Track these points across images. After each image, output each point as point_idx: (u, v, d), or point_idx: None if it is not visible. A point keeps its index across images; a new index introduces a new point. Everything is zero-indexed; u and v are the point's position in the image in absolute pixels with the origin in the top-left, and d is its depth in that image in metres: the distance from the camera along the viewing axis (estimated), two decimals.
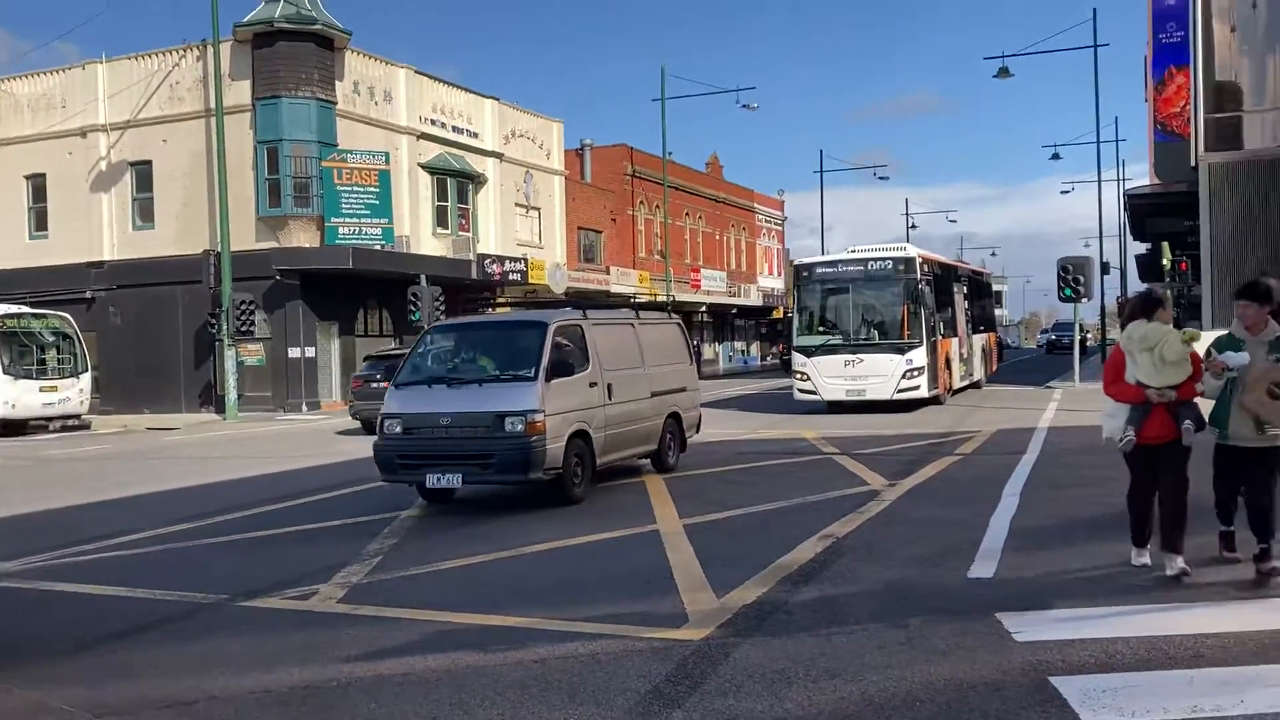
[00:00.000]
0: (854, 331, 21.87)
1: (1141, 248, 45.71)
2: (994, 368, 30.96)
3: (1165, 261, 30.04)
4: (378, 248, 30.75)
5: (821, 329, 22.21)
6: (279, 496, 12.60)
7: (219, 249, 28.28)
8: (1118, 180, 51.89)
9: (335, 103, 30.74)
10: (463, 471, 10.42)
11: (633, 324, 12.84)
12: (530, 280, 36.31)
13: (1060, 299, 28.12)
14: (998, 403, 22.90)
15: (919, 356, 21.00)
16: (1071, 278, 27.29)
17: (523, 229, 39.29)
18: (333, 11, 31.27)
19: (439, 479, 10.46)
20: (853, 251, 23.12)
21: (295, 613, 7.03)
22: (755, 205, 63.38)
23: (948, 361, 23.18)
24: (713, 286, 52.75)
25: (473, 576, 7.94)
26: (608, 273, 43.88)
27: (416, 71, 34.16)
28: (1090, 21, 62.36)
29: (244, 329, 28.25)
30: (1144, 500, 7.10)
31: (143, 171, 32.09)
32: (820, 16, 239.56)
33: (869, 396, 21.11)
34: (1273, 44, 23.78)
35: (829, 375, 21.46)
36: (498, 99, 37.87)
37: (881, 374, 21.00)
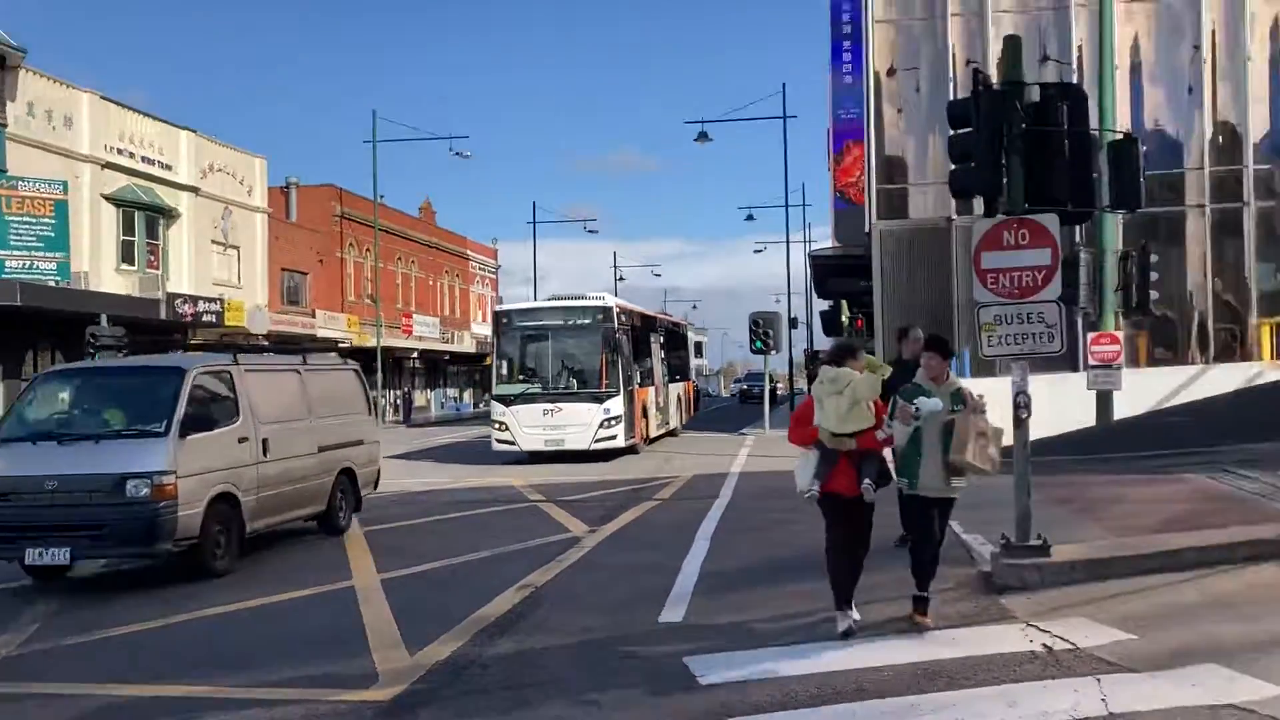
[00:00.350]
0: (553, 380, 21.71)
1: (825, 304, 49.21)
2: (691, 415, 31.72)
3: (844, 318, 32.53)
4: (52, 283, 28.17)
5: (521, 377, 21.92)
6: None
7: None
8: (804, 242, 55.90)
9: (5, 124, 28.02)
10: (71, 546, 8.81)
11: (298, 370, 11.54)
12: (228, 322, 34.34)
13: (752, 351, 29.80)
14: (695, 449, 23.84)
15: (616, 405, 21.03)
16: (762, 331, 28.96)
17: (220, 268, 37.21)
18: (8, 27, 28.64)
19: (41, 554, 8.79)
20: (553, 300, 23.36)
21: None
22: (469, 252, 63.27)
23: (645, 410, 23.41)
24: (425, 332, 52.00)
25: (143, 643, 7.34)
26: (314, 316, 42.30)
27: (102, 97, 31.75)
28: (781, 94, 66.46)
29: None
30: (840, 554, 7.02)
31: None
32: (530, 74, 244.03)
33: (568, 446, 20.81)
34: (933, 126, 26.42)
35: (528, 425, 21.04)
36: (194, 130, 35.84)
37: (580, 423, 20.84)
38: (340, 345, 44.06)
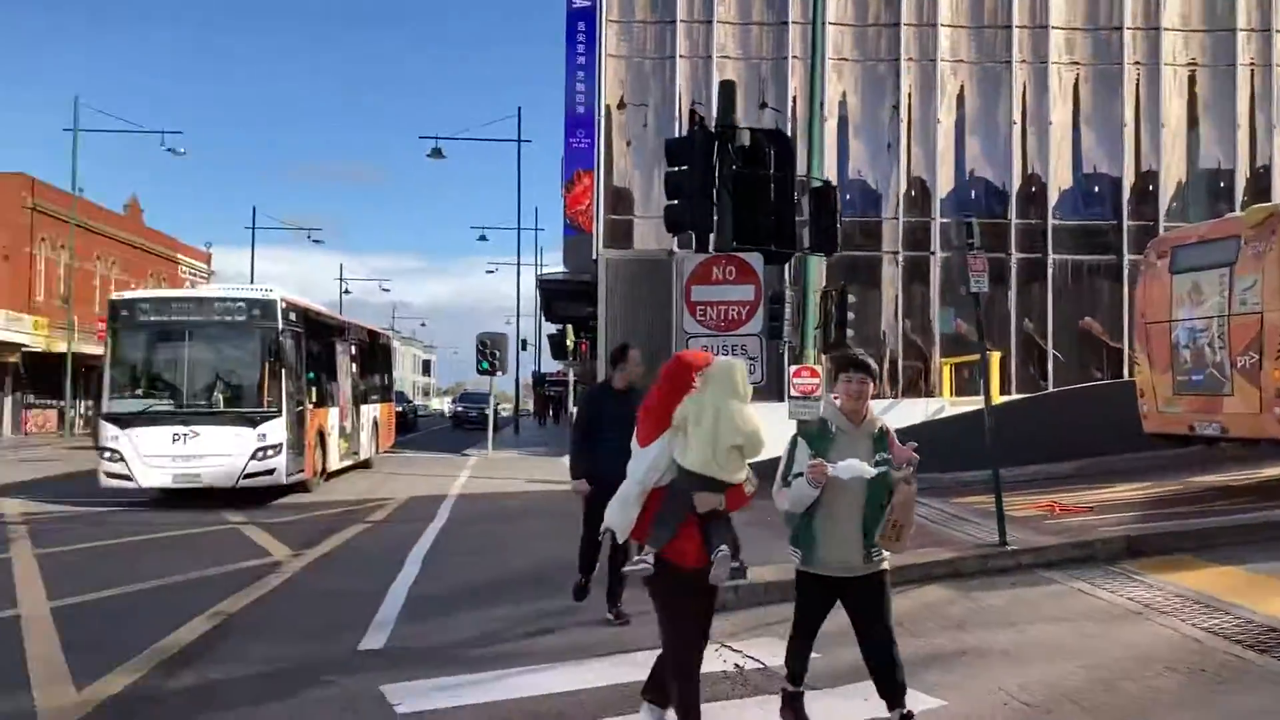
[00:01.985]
0: (189, 395, 16.30)
1: (553, 328, 49.77)
2: (389, 443, 26.75)
3: (569, 342, 33.03)
4: None
5: (143, 390, 16.52)
6: None
7: None
8: (535, 265, 56.31)
9: None
10: None
11: None
12: None
13: (478, 371, 29.64)
14: (414, 470, 23.39)
15: (277, 430, 16.12)
16: (489, 351, 28.89)
17: None
18: None
19: None
20: (194, 290, 18.81)
21: None
22: (179, 255, 59.42)
23: (322, 436, 18.76)
24: None
25: None
26: None
27: None
28: (516, 117, 66.99)
29: None
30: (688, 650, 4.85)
31: None
32: (249, 71, 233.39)
33: (206, 482, 15.74)
34: (659, 161, 27.25)
35: (150, 453, 15.65)
36: None
37: (224, 452, 15.75)
38: (25, 349, 40.33)
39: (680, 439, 4.70)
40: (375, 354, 25.59)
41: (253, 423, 16.01)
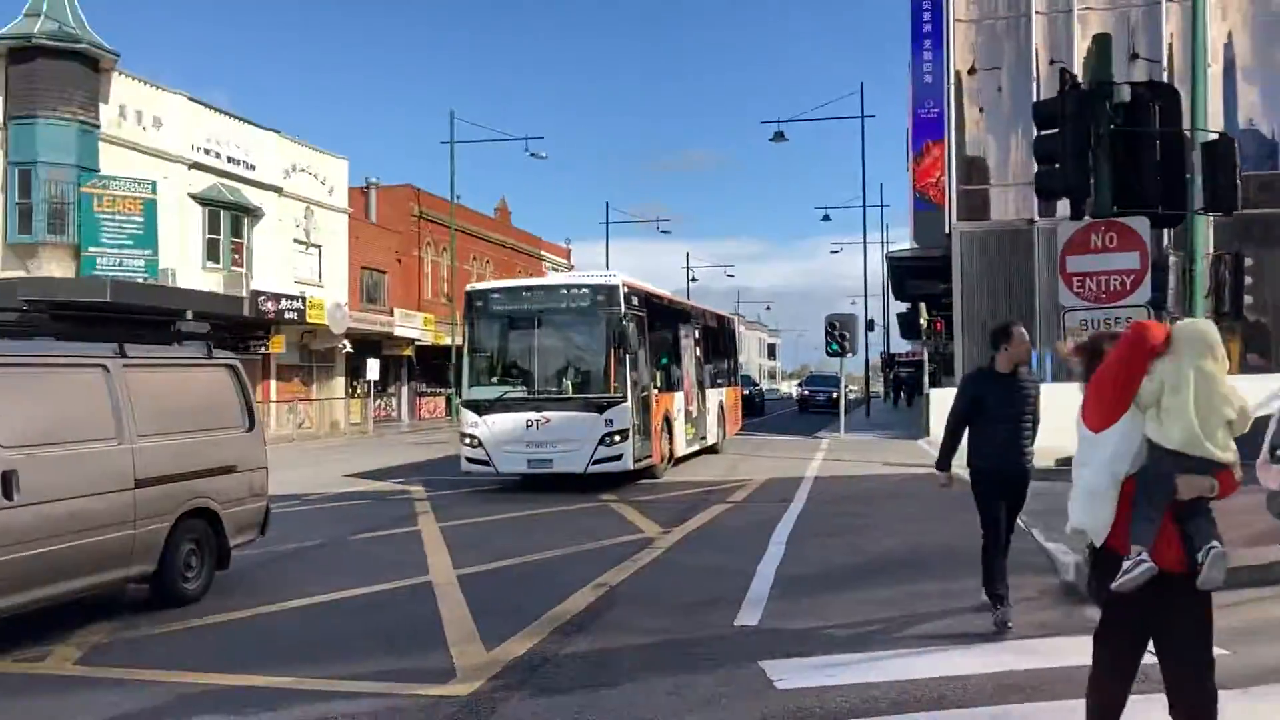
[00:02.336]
0: (539, 381, 16.68)
1: (902, 307, 48.63)
2: (735, 428, 26.26)
3: (923, 321, 32.14)
4: (140, 280, 29.01)
5: (497, 378, 17.07)
6: None
7: None
8: (882, 243, 55.16)
9: (99, 126, 28.93)
10: None
11: (104, 366, 7.84)
12: (309, 319, 35.07)
13: (827, 353, 29.55)
14: (767, 452, 23.72)
15: (622, 415, 16.04)
16: (838, 333, 28.72)
17: (302, 266, 37.98)
18: (97, 29, 29.53)
19: None
20: (543, 278, 18.54)
21: (24, 677, 6.43)
22: (543, 253, 63.71)
23: (667, 422, 18.49)
24: None
25: (227, 633, 7.50)
26: (392, 314, 42.97)
27: (190, 98, 32.64)
28: (859, 94, 65.99)
29: None
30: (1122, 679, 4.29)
31: None
32: (607, 73, 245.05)
33: (558, 468, 16.07)
34: (1015, 125, 25.97)
35: (506, 440, 16.12)
36: (279, 132, 36.65)
37: (573, 439, 15.90)
38: (417, 344, 44.83)
39: (1153, 415, 4.03)
40: (719, 337, 25.10)
41: (599, 408, 15.99)
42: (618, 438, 15.94)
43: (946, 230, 27.47)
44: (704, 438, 21.77)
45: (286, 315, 33.81)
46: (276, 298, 33.58)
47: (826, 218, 77.15)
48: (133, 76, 30.67)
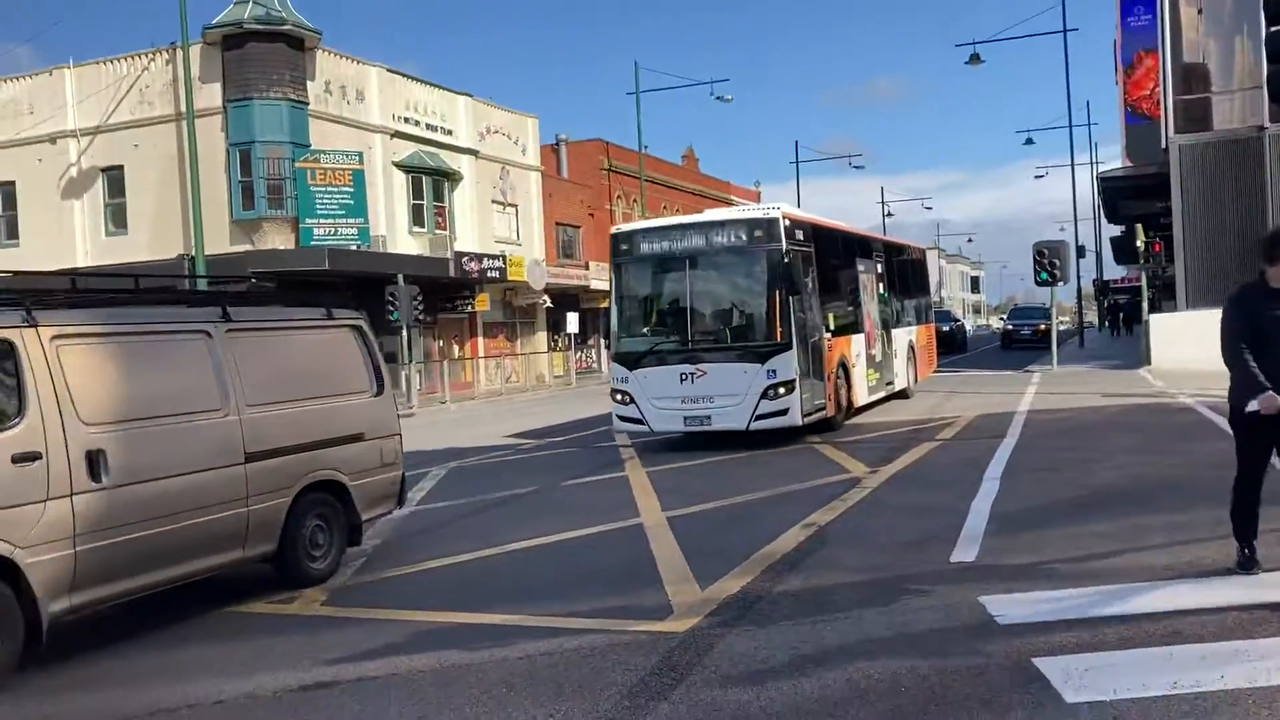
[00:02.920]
0: (693, 331, 14.81)
1: (1116, 230, 45.99)
2: (929, 370, 24.25)
3: (1139, 243, 30.21)
4: (353, 248, 30.61)
5: (648, 329, 15.41)
6: None
7: (193, 253, 28.06)
8: (1091, 164, 52.29)
9: (307, 103, 30.55)
10: None
11: (206, 333, 7.30)
12: (509, 277, 36.25)
13: (1036, 283, 28.24)
14: (977, 388, 22.99)
15: (787, 364, 14.17)
16: (1047, 261, 27.39)
17: (500, 226, 39.18)
18: (298, 8, 31.07)
19: None
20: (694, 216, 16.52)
21: (278, 617, 7.00)
22: (732, 197, 63.38)
23: (844, 369, 16.58)
24: None
25: (457, 576, 7.93)
26: (587, 268, 43.83)
27: (388, 69, 33.99)
28: (1060, 6, 62.29)
29: None
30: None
31: (114, 177, 31.79)
32: (789, 7, 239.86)
33: (716, 425, 14.41)
34: (1240, 25, 23.94)
35: (659, 396, 14.57)
36: (470, 95, 37.73)
37: (732, 393, 14.19)
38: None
39: None
40: (907, 270, 22.93)
41: (761, 358, 14.22)
42: (782, 390, 14.12)
43: (1163, 144, 25.70)
44: (890, 383, 19.87)
45: (489, 274, 35.03)
46: (479, 258, 34.81)
47: (1030, 141, 73.65)
48: (335, 53, 32.18)
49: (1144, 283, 32.81)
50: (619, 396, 15.10)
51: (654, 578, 7.26)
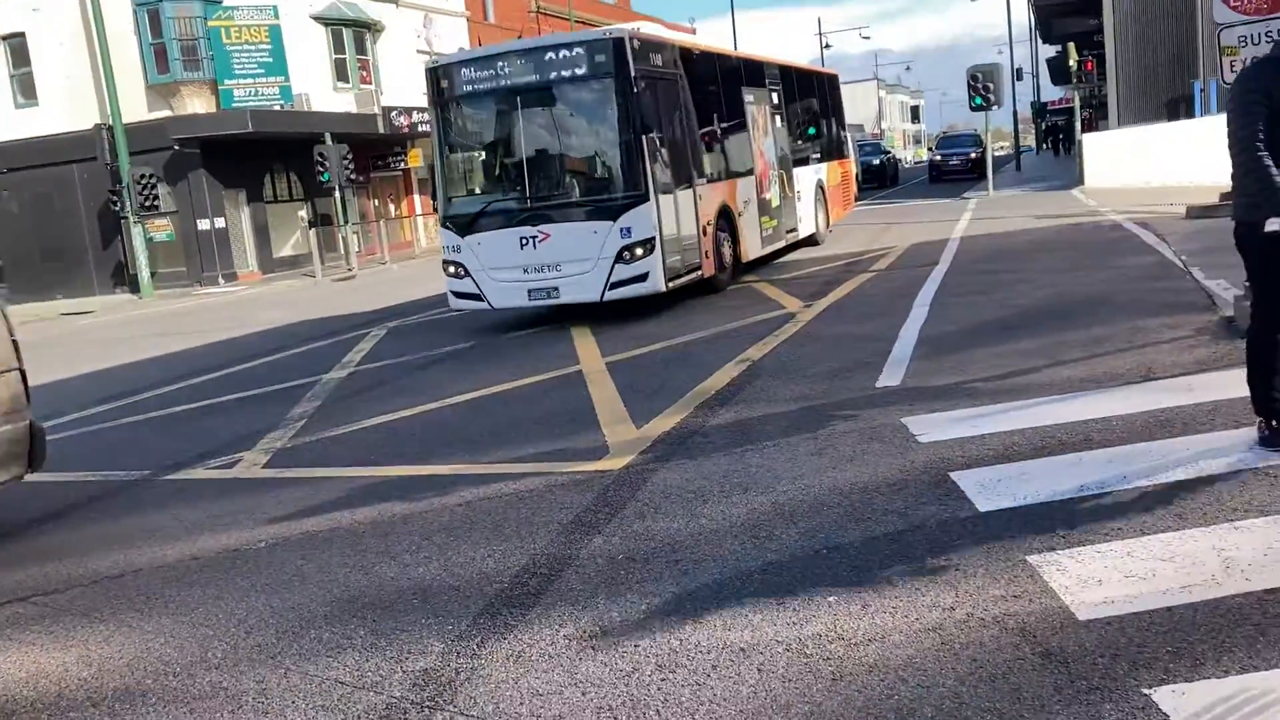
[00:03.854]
0: (531, 185, 12.30)
1: (1051, 51, 45.66)
2: (845, 210, 21.68)
3: (1072, 62, 30.05)
4: (277, 108, 29.66)
5: (478, 187, 13.08)
6: (200, 370, 12.48)
7: (111, 123, 27.06)
8: None
9: None
10: None
11: None
12: None
13: (971, 109, 28.15)
14: (914, 218, 23.14)
15: (644, 220, 11.89)
16: (981, 85, 27.25)
17: None
18: None
19: None
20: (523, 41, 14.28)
21: (220, 481, 7.07)
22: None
23: (727, 218, 14.21)
24: None
25: (397, 431, 8.02)
26: None
27: None
28: None
29: (148, 204, 27.38)
30: None
31: (16, 45, 30.31)
32: None
33: (565, 298, 12.22)
34: None
35: (497, 267, 12.34)
36: None
37: (581, 257, 11.99)
38: None
39: None
40: (812, 99, 19.99)
41: (612, 214, 11.92)
42: (639, 250, 11.89)
43: None
44: (793, 229, 17.38)
45: (420, 128, 34.19)
46: (408, 111, 33.89)
47: None
48: None
49: (1076, 103, 32.78)
50: (451, 269, 12.77)
51: (592, 421, 7.40)
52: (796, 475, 5.53)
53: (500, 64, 12.38)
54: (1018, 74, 49.14)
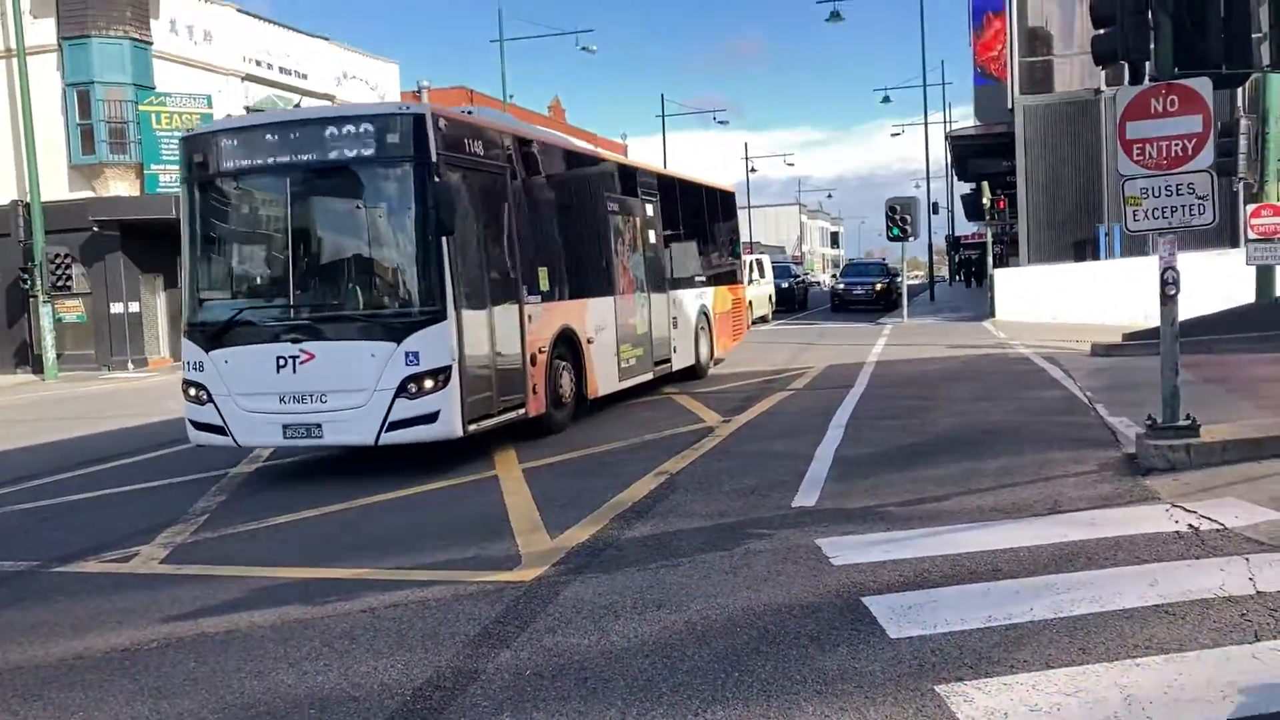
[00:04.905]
0: (295, 291, 9.71)
1: (966, 188, 47.64)
2: (734, 340, 19.00)
3: (985, 200, 31.42)
4: None
5: (231, 290, 10.38)
6: (101, 457, 12.07)
7: (28, 199, 26.57)
8: (944, 123, 53.81)
9: (151, 42, 29.07)
10: None
11: None
12: None
13: (889, 238, 29.14)
14: (832, 340, 23.63)
15: (437, 343, 9.32)
16: (899, 217, 28.27)
17: None
18: None
19: None
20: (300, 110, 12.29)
21: (113, 575, 6.78)
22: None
23: (570, 344, 12.06)
24: None
25: (304, 531, 7.81)
26: None
27: (239, 10, 32.58)
28: None
29: (61, 284, 26.77)
30: None
31: None
32: None
33: (329, 438, 9.61)
34: None
35: (247, 393, 9.60)
36: (328, 39, 36.54)
37: (353, 387, 9.31)
38: None
39: None
40: (700, 216, 17.61)
41: (395, 333, 9.28)
42: (429, 382, 9.26)
43: (1009, 105, 26.69)
44: (664, 361, 15.09)
45: None
46: None
47: (886, 99, 74.40)
48: None
49: (989, 238, 34.11)
50: (191, 391, 9.97)
51: (504, 528, 7.30)
52: (711, 594, 5.50)
53: (268, 136, 9.79)
54: (934, 208, 51.08)
